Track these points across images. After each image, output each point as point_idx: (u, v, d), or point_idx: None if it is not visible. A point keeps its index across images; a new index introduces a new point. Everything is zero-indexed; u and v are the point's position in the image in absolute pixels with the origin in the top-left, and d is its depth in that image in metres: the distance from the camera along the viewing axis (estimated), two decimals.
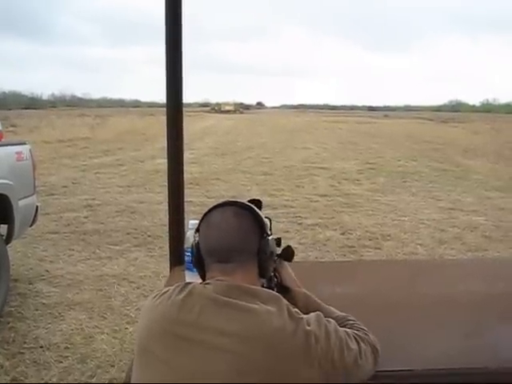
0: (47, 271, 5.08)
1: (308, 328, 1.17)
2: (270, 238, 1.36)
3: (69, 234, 6.48)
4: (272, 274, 1.83)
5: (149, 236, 6.31)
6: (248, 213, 1.34)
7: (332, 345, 1.19)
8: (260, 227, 1.34)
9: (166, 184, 2.39)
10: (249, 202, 1.57)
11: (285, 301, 1.23)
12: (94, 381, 3.13)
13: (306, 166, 13.71)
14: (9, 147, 4.43)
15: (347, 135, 27.32)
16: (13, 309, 4.14)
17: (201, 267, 1.37)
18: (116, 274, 5.03)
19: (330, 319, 1.28)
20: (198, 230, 1.39)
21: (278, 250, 1.64)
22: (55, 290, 4.62)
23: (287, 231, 6.79)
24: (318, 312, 1.28)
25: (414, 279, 2.29)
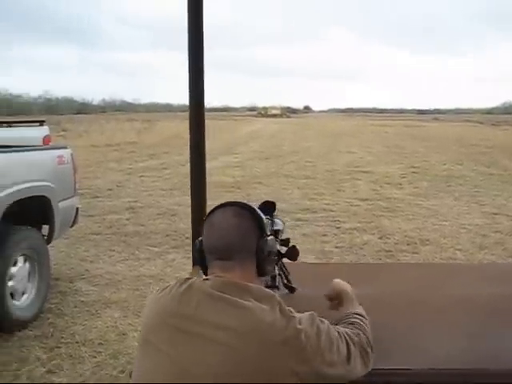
0: (87, 270, 5.25)
1: (299, 326, 1.21)
2: (269, 238, 1.40)
3: (110, 236, 6.68)
4: (278, 273, 1.88)
5: (187, 238, 6.40)
6: (248, 213, 1.39)
7: (322, 344, 1.22)
8: (259, 227, 1.38)
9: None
10: (263, 203, 1.63)
11: (278, 299, 1.27)
12: (124, 375, 3.23)
13: (349, 170, 13.64)
14: (50, 151, 4.62)
15: (394, 139, 27.00)
16: (53, 306, 4.32)
17: (202, 263, 1.42)
18: (153, 275, 5.16)
19: (324, 319, 1.31)
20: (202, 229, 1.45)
21: (283, 250, 1.68)
22: (94, 288, 4.78)
23: (325, 235, 6.80)
24: (312, 312, 1.31)
25: (439, 281, 2.29)
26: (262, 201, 1.72)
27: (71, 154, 4.79)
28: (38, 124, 5.54)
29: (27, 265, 4.05)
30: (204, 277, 1.38)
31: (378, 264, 4.88)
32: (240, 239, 1.35)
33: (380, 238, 6.70)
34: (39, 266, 4.16)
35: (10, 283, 3.80)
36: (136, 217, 7.78)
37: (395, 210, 8.55)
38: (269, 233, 1.42)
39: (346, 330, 1.37)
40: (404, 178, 12.40)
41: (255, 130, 34.16)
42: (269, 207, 1.67)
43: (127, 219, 7.61)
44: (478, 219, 7.90)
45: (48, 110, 53.37)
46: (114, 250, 6.01)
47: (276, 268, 1.71)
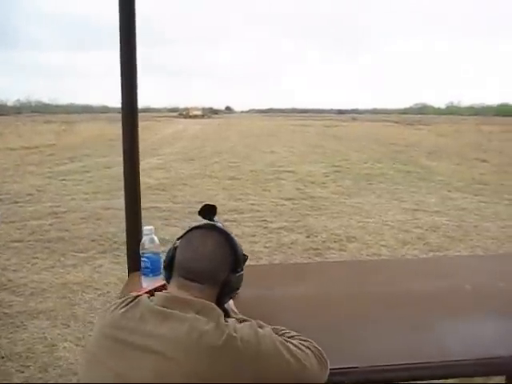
0: (10, 280, 5.01)
1: (234, 334, 1.20)
2: (239, 274, 1.42)
3: (33, 242, 6.40)
4: None
5: (114, 242, 6.28)
6: (228, 245, 1.40)
7: (264, 349, 1.22)
8: (234, 261, 1.40)
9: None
10: (203, 207, 1.60)
11: (219, 311, 1.27)
12: None
13: (272, 169, 13.77)
14: None
15: (315, 138, 27.56)
16: None
17: (169, 272, 1.41)
18: (81, 282, 5.00)
19: (265, 326, 1.32)
20: (179, 239, 1.44)
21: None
22: (18, 299, 4.56)
23: (253, 235, 6.82)
24: (252, 321, 1.31)
25: (368, 278, 2.35)
26: (204, 204, 1.69)
27: None
28: None
29: None
30: (167, 283, 1.42)
31: (308, 263, 4.94)
32: (213, 268, 1.36)
33: (307, 237, 6.80)
34: None
35: None
36: (59, 222, 7.50)
37: (320, 209, 8.71)
38: (240, 269, 1.43)
39: (290, 335, 1.38)
40: (327, 176, 12.66)
41: (177, 131, 33.92)
42: (209, 210, 1.65)
43: (50, 224, 7.32)
44: (400, 215, 8.19)
45: None
46: (37, 258, 5.76)
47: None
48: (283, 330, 1.40)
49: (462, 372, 1.60)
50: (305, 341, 1.37)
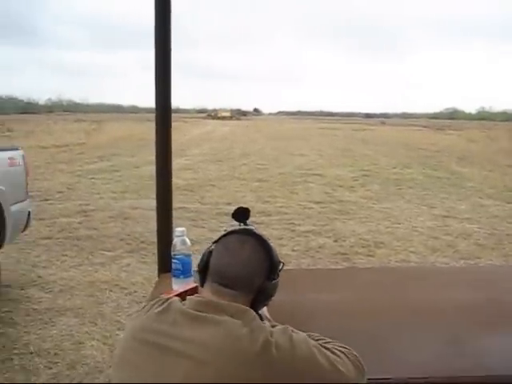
0: (40, 277, 5.07)
1: (270, 339, 1.18)
2: (274, 281, 1.38)
3: (62, 240, 6.47)
4: None
5: (142, 242, 6.30)
6: (264, 251, 1.36)
7: (299, 354, 1.18)
8: (270, 269, 1.36)
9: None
10: (237, 210, 1.58)
11: (253, 313, 1.25)
12: None
13: (301, 172, 13.72)
14: (1, 152, 4.43)
15: (343, 142, 27.40)
16: (3, 314, 4.13)
17: (203, 276, 1.39)
18: (108, 280, 5.02)
19: (300, 332, 1.28)
20: (215, 242, 1.41)
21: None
22: (47, 295, 4.61)
23: (281, 238, 6.79)
24: (286, 325, 1.28)
25: (401, 286, 2.30)
26: (237, 207, 1.66)
27: (23, 156, 4.62)
28: None
29: None
30: (201, 286, 1.39)
31: (338, 269, 4.90)
32: (249, 275, 1.32)
33: (335, 241, 6.74)
34: None
35: None
36: (88, 220, 7.58)
37: (348, 213, 8.63)
38: (276, 276, 1.39)
39: (325, 341, 1.34)
40: (356, 180, 12.56)
41: (206, 132, 34.07)
42: (243, 214, 1.62)
43: (79, 223, 7.40)
44: (429, 222, 8.07)
45: None
46: (66, 255, 5.82)
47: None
48: (318, 336, 1.36)
49: None
50: (341, 347, 1.33)
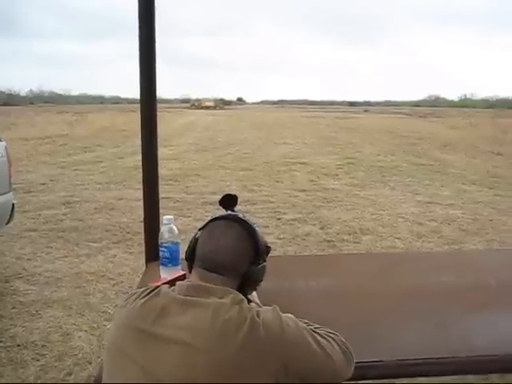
0: (25, 269, 5.03)
1: (257, 319, 1.19)
2: (260, 266, 1.38)
3: (47, 232, 6.42)
4: None
5: (127, 233, 6.29)
6: (249, 236, 1.37)
7: (288, 335, 1.20)
8: (256, 253, 1.37)
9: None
10: (225, 197, 1.58)
11: (240, 295, 1.26)
12: (71, 378, 3.11)
13: (285, 161, 13.73)
14: None
15: (327, 130, 27.45)
16: None
17: (190, 263, 1.41)
18: (94, 271, 5.00)
19: (289, 314, 1.29)
20: (201, 229, 1.42)
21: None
22: (33, 287, 4.58)
23: (266, 226, 6.79)
24: (274, 306, 1.29)
25: (388, 271, 2.32)
26: (224, 194, 1.67)
27: (5, 147, 4.57)
28: None
29: None
30: (189, 272, 1.40)
31: (325, 255, 4.92)
32: (234, 260, 1.34)
33: (321, 229, 6.77)
34: None
35: None
36: (73, 212, 7.52)
37: (334, 201, 8.66)
38: (262, 260, 1.40)
39: (314, 327, 1.35)
40: (340, 168, 12.59)
41: (189, 122, 33.88)
42: (230, 201, 1.63)
43: (64, 214, 7.35)
44: (414, 208, 8.13)
45: None
46: (51, 247, 5.78)
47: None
48: (307, 322, 1.37)
49: (488, 368, 1.57)
50: (330, 333, 1.34)
